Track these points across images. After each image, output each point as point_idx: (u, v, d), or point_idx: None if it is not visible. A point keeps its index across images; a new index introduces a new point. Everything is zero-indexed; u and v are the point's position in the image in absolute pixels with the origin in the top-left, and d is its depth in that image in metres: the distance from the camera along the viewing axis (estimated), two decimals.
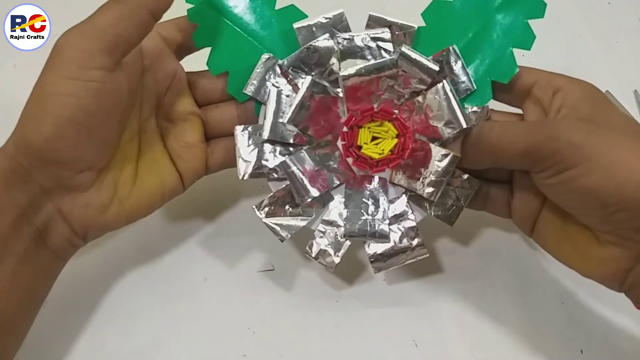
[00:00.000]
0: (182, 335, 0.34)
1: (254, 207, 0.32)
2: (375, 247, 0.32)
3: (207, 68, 0.33)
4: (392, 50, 0.32)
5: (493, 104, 0.33)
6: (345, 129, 0.32)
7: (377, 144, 0.32)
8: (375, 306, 0.36)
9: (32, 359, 0.32)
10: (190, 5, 0.32)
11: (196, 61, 0.34)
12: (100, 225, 0.31)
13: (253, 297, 0.36)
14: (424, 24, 0.33)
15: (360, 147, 0.32)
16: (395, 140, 0.32)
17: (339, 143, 0.33)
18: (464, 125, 0.29)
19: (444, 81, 0.30)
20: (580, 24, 0.49)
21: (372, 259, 0.32)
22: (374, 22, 0.33)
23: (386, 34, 0.32)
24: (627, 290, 0.28)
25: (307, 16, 0.33)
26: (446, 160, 0.30)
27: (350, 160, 0.32)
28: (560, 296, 0.36)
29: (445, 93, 0.30)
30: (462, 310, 0.35)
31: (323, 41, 0.32)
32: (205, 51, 0.33)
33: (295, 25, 0.32)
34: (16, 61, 0.44)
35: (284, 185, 0.32)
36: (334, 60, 0.32)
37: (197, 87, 0.34)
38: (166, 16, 0.30)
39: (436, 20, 0.32)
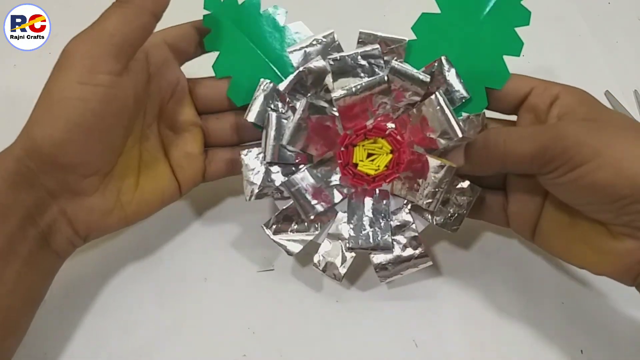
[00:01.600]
0: (182, 335, 0.35)
1: (262, 225, 0.34)
2: (380, 257, 0.33)
3: (204, 76, 0.35)
4: (383, 65, 0.32)
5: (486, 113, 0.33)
6: (341, 148, 0.33)
7: (372, 160, 0.33)
8: (375, 306, 0.36)
9: (33, 358, 0.33)
10: (207, 12, 0.34)
11: (193, 66, 0.35)
12: (103, 227, 0.32)
13: (253, 297, 0.36)
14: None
15: (356, 165, 0.33)
16: (390, 156, 0.32)
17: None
18: (460, 135, 0.30)
19: (437, 92, 0.31)
20: (580, 24, 0.48)
21: (377, 269, 0.33)
22: (364, 38, 0.33)
23: (376, 50, 0.32)
24: None
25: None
26: (442, 172, 0.30)
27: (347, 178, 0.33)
28: (560, 296, 0.36)
29: (439, 104, 0.30)
30: (462, 310, 0.36)
31: (316, 62, 0.33)
32: (203, 60, 0.35)
33: (289, 50, 0.33)
34: (16, 61, 0.44)
35: (289, 203, 0.33)
36: (329, 79, 0.33)
37: (197, 95, 0.35)
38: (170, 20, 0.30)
39: (426, 33, 0.33)
